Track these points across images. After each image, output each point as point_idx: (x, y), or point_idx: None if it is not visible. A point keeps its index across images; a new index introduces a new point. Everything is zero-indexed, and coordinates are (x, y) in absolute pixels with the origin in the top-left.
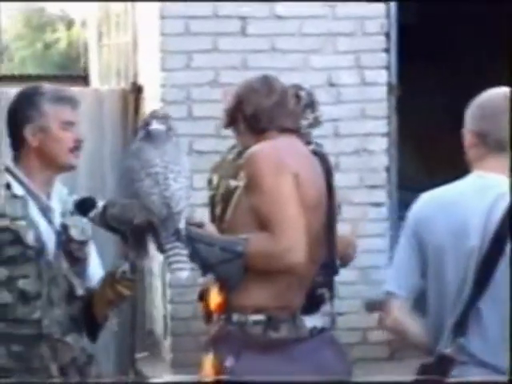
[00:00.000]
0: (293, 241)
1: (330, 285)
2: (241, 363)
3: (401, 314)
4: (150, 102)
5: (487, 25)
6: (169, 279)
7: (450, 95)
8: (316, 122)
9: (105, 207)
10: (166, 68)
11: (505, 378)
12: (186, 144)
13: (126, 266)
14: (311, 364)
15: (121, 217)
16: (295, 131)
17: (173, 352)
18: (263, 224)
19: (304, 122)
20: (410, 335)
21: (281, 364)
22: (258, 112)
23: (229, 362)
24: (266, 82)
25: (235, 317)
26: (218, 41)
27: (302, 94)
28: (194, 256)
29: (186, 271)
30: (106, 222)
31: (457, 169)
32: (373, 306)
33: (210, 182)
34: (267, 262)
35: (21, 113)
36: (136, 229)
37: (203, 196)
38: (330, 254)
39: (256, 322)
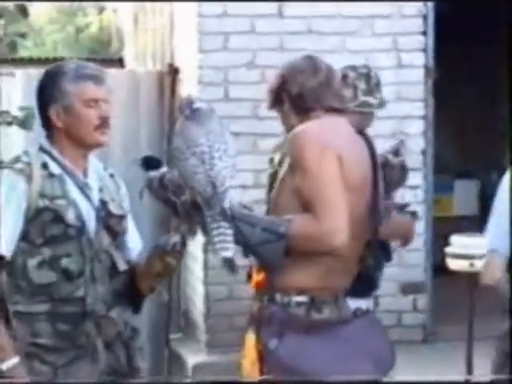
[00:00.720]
0: (335, 223)
1: (381, 268)
2: (284, 345)
3: (501, 272)
4: (187, 84)
5: None
6: (203, 260)
7: (487, 80)
8: (382, 102)
9: (163, 174)
10: (203, 49)
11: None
12: None
13: (176, 239)
14: (355, 345)
15: (177, 184)
16: (341, 111)
17: (208, 333)
18: (306, 205)
19: (374, 102)
20: (504, 296)
21: (324, 345)
22: (304, 91)
23: (272, 344)
24: (311, 62)
25: (278, 297)
26: (255, 22)
27: (372, 73)
28: (236, 235)
29: (230, 251)
30: (162, 188)
31: (491, 154)
32: (408, 288)
33: (271, 160)
34: (309, 244)
35: (45, 93)
36: (185, 204)
37: (238, 178)
38: (374, 236)
39: (299, 303)
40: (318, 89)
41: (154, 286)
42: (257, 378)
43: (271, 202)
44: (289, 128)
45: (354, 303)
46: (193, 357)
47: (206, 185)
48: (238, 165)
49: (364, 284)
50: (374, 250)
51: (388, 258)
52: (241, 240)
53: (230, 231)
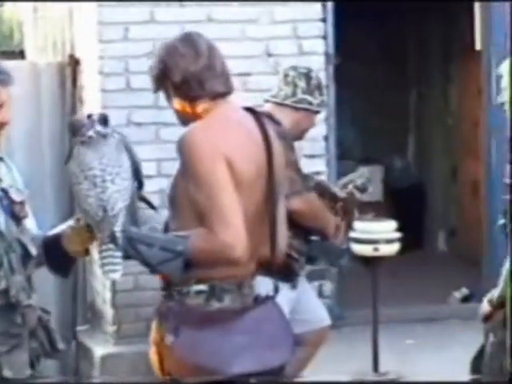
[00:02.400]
0: (233, 236)
1: (305, 253)
2: (180, 340)
3: None
4: (88, 75)
5: None
6: None
7: (392, 65)
8: (323, 104)
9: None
10: (103, 40)
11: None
12: (125, 116)
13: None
14: (254, 335)
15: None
16: (227, 94)
17: (114, 324)
18: (201, 215)
19: (313, 100)
20: None
21: (222, 337)
22: (187, 78)
23: (168, 340)
24: (192, 44)
25: (177, 288)
26: (154, 11)
27: (312, 75)
28: (136, 257)
29: (118, 272)
30: None
31: (394, 140)
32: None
33: None
34: (210, 259)
35: None
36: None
37: (145, 167)
38: (272, 224)
39: (198, 293)
40: (201, 74)
41: (85, 249)
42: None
43: (168, 197)
44: (180, 118)
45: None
46: (100, 348)
47: (97, 208)
48: (140, 154)
49: (289, 267)
50: (301, 235)
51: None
52: (141, 261)
53: (118, 253)
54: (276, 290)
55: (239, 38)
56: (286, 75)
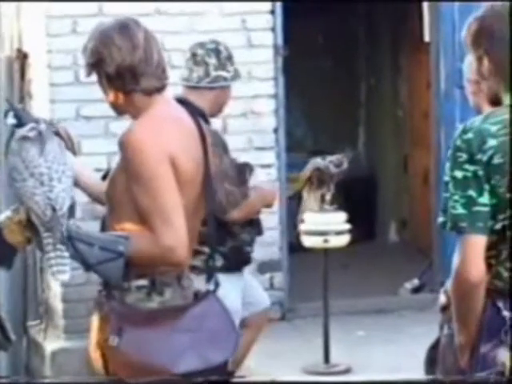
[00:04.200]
0: (175, 239)
1: (253, 243)
2: (124, 340)
3: None
4: (36, 69)
5: None
6: None
7: (342, 56)
8: (237, 74)
9: None
10: (51, 33)
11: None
12: (74, 109)
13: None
14: (198, 331)
15: None
16: (163, 89)
17: (65, 318)
18: (144, 215)
19: (227, 75)
20: None
21: (166, 335)
22: (122, 71)
23: (112, 341)
24: (128, 35)
25: (116, 290)
26: (102, 5)
27: (221, 47)
28: (75, 256)
29: (67, 273)
30: None
31: (344, 132)
32: (265, 267)
33: None
34: (151, 261)
35: None
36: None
37: (92, 161)
38: (209, 212)
39: (139, 287)
40: (136, 67)
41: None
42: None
43: (106, 194)
44: (115, 108)
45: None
46: (51, 343)
47: (45, 207)
48: (89, 149)
49: (239, 259)
50: (248, 227)
51: (259, 232)
52: (80, 260)
53: (66, 253)
54: (217, 284)
55: (187, 30)
56: (194, 54)
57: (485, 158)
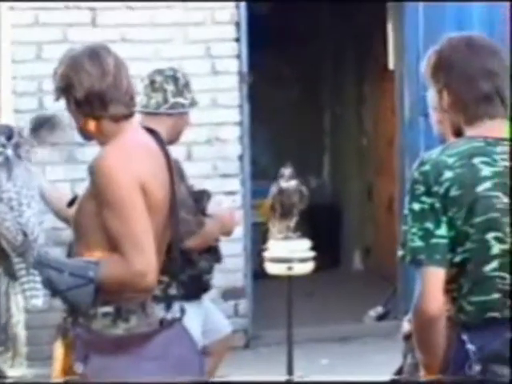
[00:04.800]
0: (145, 264)
1: (212, 271)
2: (89, 367)
3: None
4: (1, 95)
5: (338, 11)
6: None
7: (307, 84)
8: (194, 102)
9: None
10: (16, 60)
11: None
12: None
13: None
14: (161, 361)
15: None
16: (130, 116)
17: (28, 345)
18: (113, 241)
19: (185, 102)
20: None
21: (132, 362)
22: (91, 97)
23: (77, 368)
24: (99, 62)
25: (81, 317)
26: (68, 31)
27: (179, 74)
28: (45, 282)
29: (40, 298)
30: None
31: (309, 160)
32: (229, 294)
33: None
34: (121, 286)
35: None
36: None
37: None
38: (174, 239)
39: (105, 314)
40: (105, 93)
41: None
42: None
43: (73, 220)
44: (83, 133)
45: (160, 313)
46: (13, 370)
47: (16, 233)
48: (53, 175)
49: (197, 287)
50: (208, 255)
51: (218, 259)
52: (49, 286)
53: (39, 278)
54: (182, 311)
55: (153, 58)
56: (152, 81)
57: (441, 190)
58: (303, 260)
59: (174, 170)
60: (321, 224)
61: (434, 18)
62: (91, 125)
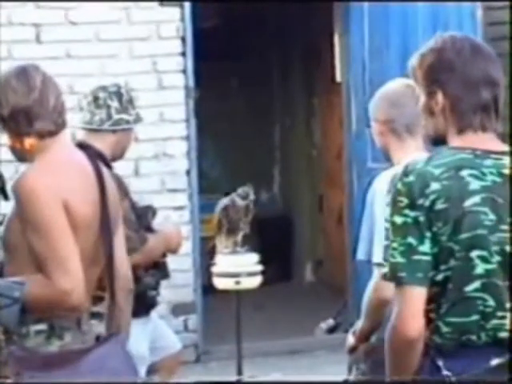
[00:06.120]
0: (70, 282)
1: (158, 287)
2: None
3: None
4: None
5: (287, 23)
6: None
7: (252, 95)
8: (138, 118)
9: None
10: None
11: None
12: None
13: None
14: (95, 375)
15: None
16: (57, 132)
17: None
18: (38, 261)
19: (129, 118)
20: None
21: (65, 379)
22: (15, 114)
23: None
24: (26, 79)
25: (16, 330)
26: (12, 48)
27: (123, 90)
28: None
29: None
30: None
31: (260, 174)
32: (178, 309)
33: None
34: (47, 306)
35: None
36: None
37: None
38: (109, 259)
39: (38, 332)
40: (30, 110)
41: None
42: None
43: (2, 240)
44: (14, 153)
45: (95, 328)
46: None
47: None
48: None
49: (143, 303)
50: (154, 270)
51: (166, 275)
52: None
53: None
54: (119, 327)
55: (98, 73)
56: (95, 97)
57: (427, 202)
58: (251, 274)
59: (107, 187)
60: (272, 237)
61: (379, 27)
62: (19, 143)
